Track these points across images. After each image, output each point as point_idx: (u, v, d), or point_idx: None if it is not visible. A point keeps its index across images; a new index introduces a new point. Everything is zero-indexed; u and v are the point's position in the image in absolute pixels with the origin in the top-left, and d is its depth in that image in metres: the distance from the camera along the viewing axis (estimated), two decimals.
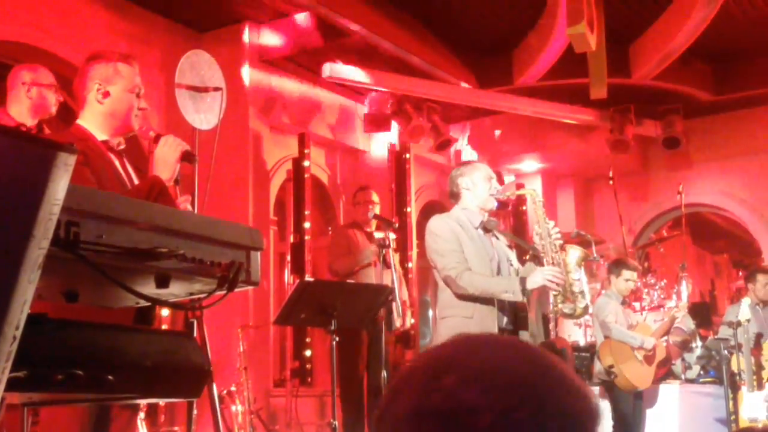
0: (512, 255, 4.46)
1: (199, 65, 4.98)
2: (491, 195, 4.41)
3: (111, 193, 2.22)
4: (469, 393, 0.86)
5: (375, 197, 6.68)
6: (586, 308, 4.27)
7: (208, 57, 5.12)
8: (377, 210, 6.57)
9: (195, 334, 2.65)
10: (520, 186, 8.85)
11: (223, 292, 2.09)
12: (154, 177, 3.02)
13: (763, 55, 8.67)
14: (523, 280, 4.17)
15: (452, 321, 4.31)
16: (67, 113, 4.50)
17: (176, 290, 2.13)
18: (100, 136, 3.13)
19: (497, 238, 4.48)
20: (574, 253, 4.29)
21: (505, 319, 4.27)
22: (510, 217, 9.45)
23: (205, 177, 4.68)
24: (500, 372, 0.88)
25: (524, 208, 9.55)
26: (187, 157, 3.15)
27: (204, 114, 4.89)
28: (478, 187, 4.41)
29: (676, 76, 8.67)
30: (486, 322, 4.21)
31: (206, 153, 4.75)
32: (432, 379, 0.88)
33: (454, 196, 4.51)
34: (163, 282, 1.98)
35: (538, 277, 4.17)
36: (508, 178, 9.89)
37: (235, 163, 7.27)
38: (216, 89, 5.04)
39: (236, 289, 2.12)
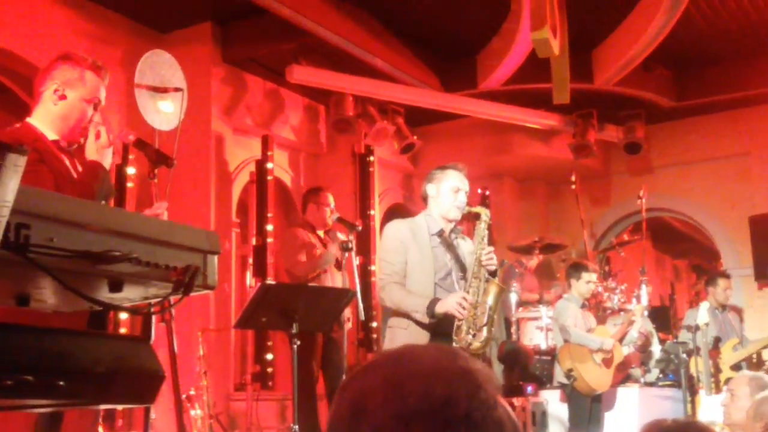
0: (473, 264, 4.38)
1: (159, 65, 4.92)
2: (458, 208, 4.38)
3: (63, 196, 2.17)
4: (437, 390, 0.98)
5: (330, 199, 6.49)
6: (485, 344, 4.19)
7: (168, 57, 5.06)
8: (329, 212, 6.40)
9: (152, 338, 2.61)
10: (478, 199, 8.76)
11: (179, 296, 2.06)
12: (93, 162, 3.05)
13: (723, 61, 8.79)
14: (434, 302, 4.16)
15: (392, 332, 4.37)
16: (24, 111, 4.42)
17: (131, 294, 2.10)
18: (51, 135, 3.09)
19: (460, 246, 4.46)
20: (493, 288, 4.26)
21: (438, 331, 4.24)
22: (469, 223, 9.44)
23: (166, 179, 4.62)
24: (449, 369, 1.02)
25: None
26: (163, 160, 3.16)
27: (164, 115, 4.84)
28: (441, 196, 4.41)
29: (638, 81, 8.76)
30: (419, 334, 4.23)
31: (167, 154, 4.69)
32: (397, 388, 0.99)
33: (424, 201, 4.53)
34: (116, 286, 1.94)
35: (448, 303, 4.15)
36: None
37: (197, 165, 7.21)
38: (176, 90, 4.98)
39: (193, 293, 2.09)
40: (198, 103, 6.68)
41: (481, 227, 4.33)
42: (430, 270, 4.30)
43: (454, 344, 4.18)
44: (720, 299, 7.18)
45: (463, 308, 4.11)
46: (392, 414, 0.97)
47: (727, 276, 8.13)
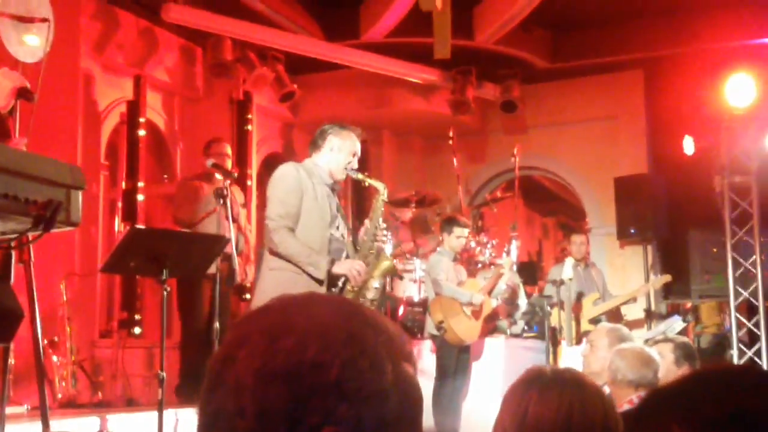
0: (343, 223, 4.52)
1: None
2: (345, 169, 4.43)
3: None
4: (310, 351, 0.89)
5: (228, 149, 6.62)
6: None
7: None
8: (229, 163, 6.48)
9: (12, 277, 2.48)
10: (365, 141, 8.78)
11: (39, 232, 1.94)
12: None
13: (597, 26, 9.05)
14: (332, 262, 4.24)
15: (282, 275, 4.28)
16: None
17: None
18: None
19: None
20: (386, 263, 4.43)
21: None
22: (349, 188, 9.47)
23: (28, 114, 4.37)
24: (333, 329, 0.92)
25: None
26: (24, 94, 3.00)
27: (28, 46, 4.56)
28: (341, 154, 4.42)
29: (517, 41, 8.91)
30: (311, 282, 4.23)
31: (31, 89, 4.43)
32: (270, 342, 0.90)
33: (316, 148, 4.46)
34: None
35: (347, 266, 4.24)
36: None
37: (63, 102, 6.83)
38: (43, 20, 4.69)
39: (54, 230, 1.98)
40: (66, 37, 6.32)
41: (379, 203, 4.43)
42: (326, 219, 4.31)
43: None
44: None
45: (357, 277, 4.21)
46: (256, 370, 0.89)
47: (580, 232, 8.54)
